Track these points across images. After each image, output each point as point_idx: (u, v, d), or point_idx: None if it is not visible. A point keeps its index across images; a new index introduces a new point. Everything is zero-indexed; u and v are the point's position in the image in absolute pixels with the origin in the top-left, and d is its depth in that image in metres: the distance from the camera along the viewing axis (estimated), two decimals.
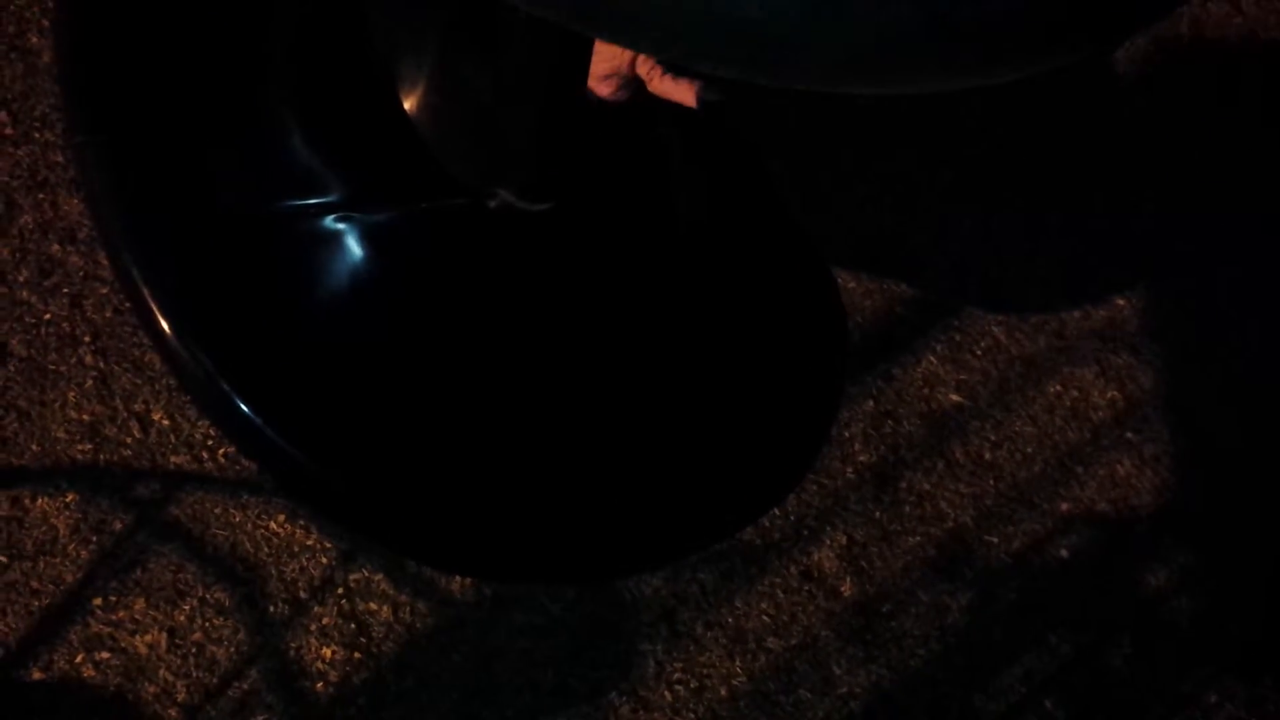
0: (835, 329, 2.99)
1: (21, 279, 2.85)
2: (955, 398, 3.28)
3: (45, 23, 3.03)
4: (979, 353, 3.34)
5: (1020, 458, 3.26)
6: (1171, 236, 3.61)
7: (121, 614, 2.67)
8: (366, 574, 2.78)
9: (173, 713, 2.62)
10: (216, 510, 2.77)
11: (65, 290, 2.86)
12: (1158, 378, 3.43)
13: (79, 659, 2.62)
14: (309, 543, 2.77)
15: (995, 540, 3.16)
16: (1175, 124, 3.76)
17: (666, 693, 2.85)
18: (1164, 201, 3.65)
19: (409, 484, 2.58)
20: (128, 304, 2.71)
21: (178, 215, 2.47)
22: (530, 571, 2.76)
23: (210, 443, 2.80)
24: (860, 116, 3.41)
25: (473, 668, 2.77)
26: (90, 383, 2.80)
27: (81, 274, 2.87)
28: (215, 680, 2.66)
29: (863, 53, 1.50)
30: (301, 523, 2.78)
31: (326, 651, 2.72)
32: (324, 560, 2.77)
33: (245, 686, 2.67)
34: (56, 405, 2.77)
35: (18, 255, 2.86)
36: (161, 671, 2.65)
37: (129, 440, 2.77)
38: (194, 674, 2.65)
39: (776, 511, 3.01)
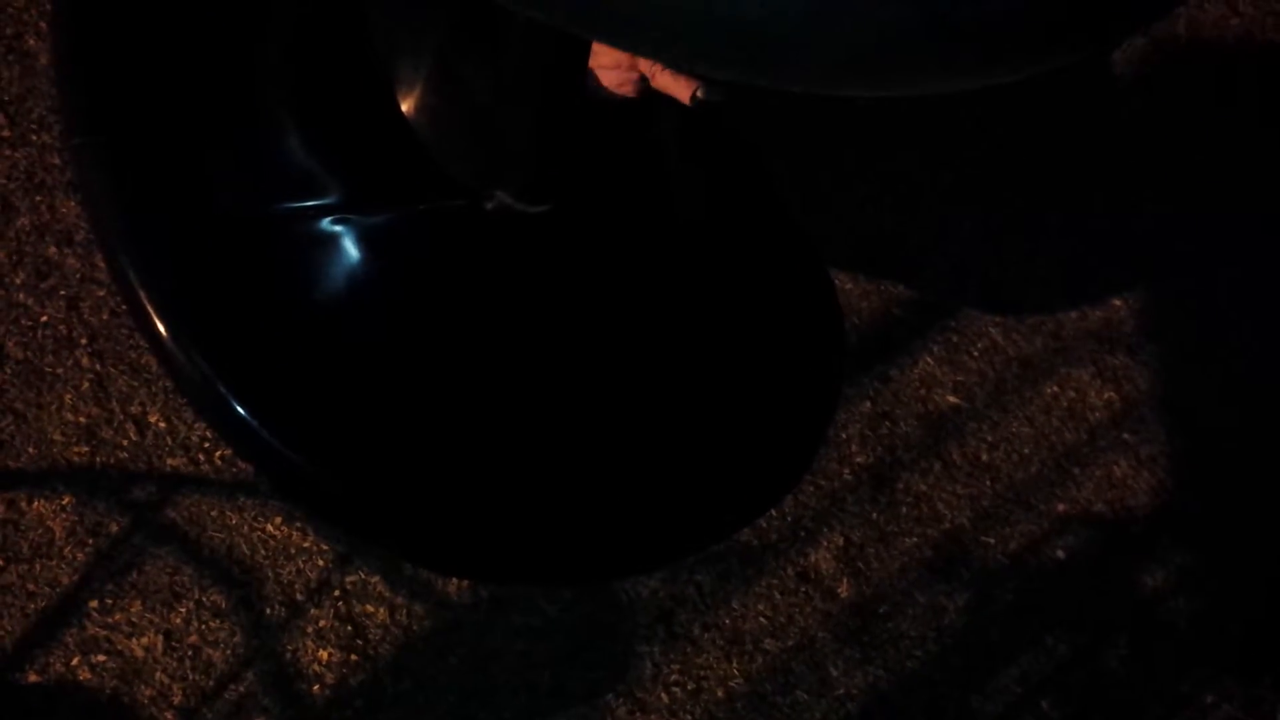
0: (833, 330, 2.99)
1: (18, 281, 2.84)
2: (952, 399, 3.28)
3: (43, 25, 3.03)
4: (976, 354, 3.34)
5: (1017, 459, 3.26)
6: (1171, 236, 3.62)
7: (118, 616, 2.66)
8: (363, 576, 2.78)
9: (169, 715, 2.62)
10: (213, 513, 2.76)
11: (62, 293, 2.85)
12: (1154, 378, 3.43)
13: (75, 661, 2.62)
14: (305, 545, 2.77)
15: (992, 541, 3.16)
16: (1174, 125, 3.77)
17: (663, 694, 2.85)
18: (1163, 201, 3.65)
19: (406, 486, 2.58)
20: (124, 306, 2.71)
21: (175, 217, 2.46)
22: (527, 573, 2.76)
23: (207, 445, 2.80)
24: (860, 117, 3.41)
25: (469, 670, 2.76)
26: (87, 385, 2.80)
27: (78, 276, 2.87)
28: (211, 683, 2.65)
29: (863, 54, 1.50)
30: (298, 525, 2.78)
31: (323, 654, 2.71)
32: (320, 563, 2.77)
33: (241, 689, 2.66)
34: (53, 408, 2.77)
35: (14, 258, 2.86)
36: (158, 674, 2.64)
37: (125, 443, 2.77)
38: (190, 676, 2.65)
39: (773, 513, 3.01)
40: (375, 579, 2.78)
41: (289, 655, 2.70)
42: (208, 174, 2.50)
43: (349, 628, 2.74)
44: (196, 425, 2.80)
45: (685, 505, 2.73)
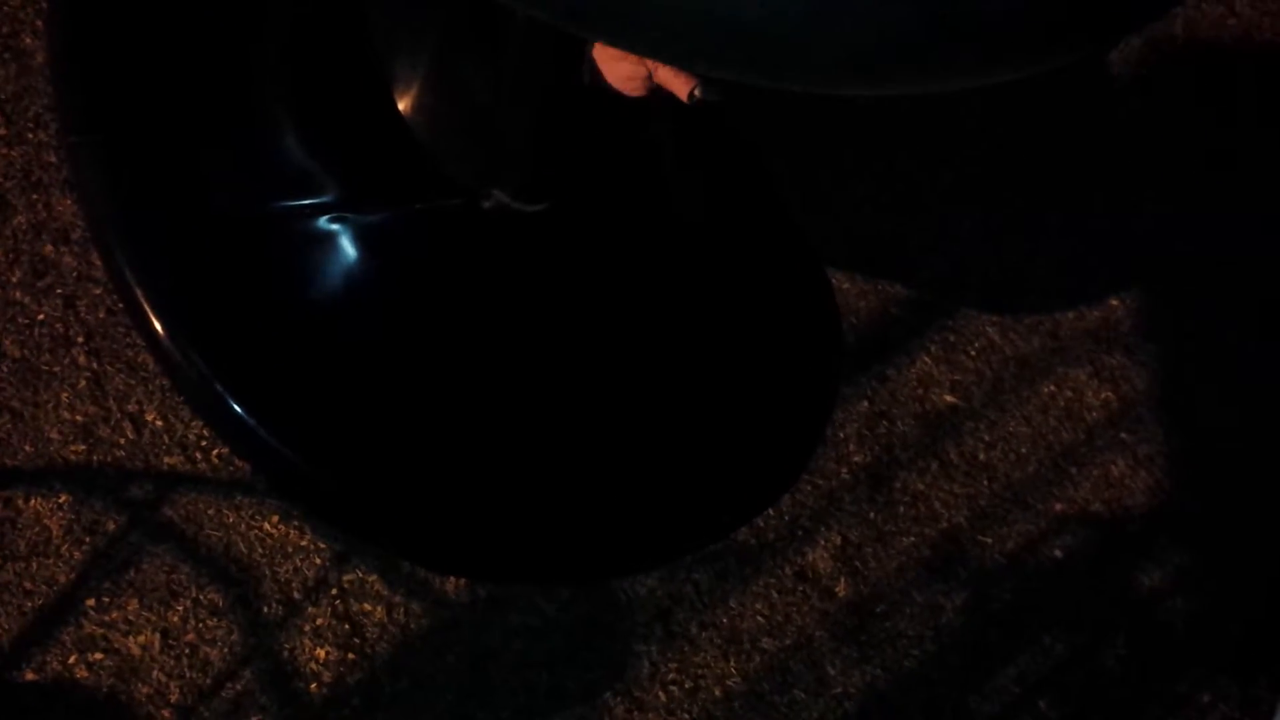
0: (830, 329, 3.00)
1: (15, 280, 2.84)
2: (950, 398, 3.28)
3: (39, 23, 3.03)
4: (973, 353, 3.34)
5: (1014, 458, 3.26)
6: (1170, 236, 3.62)
7: (115, 615, 2.66)
8: (360, 575, 2.77)
9: (166, 714, 2.62)
10: (210, 511, 2.76)
11: (59, 291, 2.85)
12: (1152, 378, 3.43)
13: (72, 660, 2.62)
14: (303, 543, 2.77)
15: (990, 541, 3.16)
16: (1172, 125, 3.77)
17: (661, 693, 2.84)
18: (1162, 201, 3.65)
19: (403, 484, 2.58)
20: (121, 304, 2.70)
21: (172, 216, 2.47)
22: (525, 572, 2.76)
23: (204, 443, 2.79)
24: (860, 116, 3.40)
25: (467, 669, 2.76)
26: (83, 383, 2.80)
27: (75, 275, 2.86)
28: (209, 681, 2.65)
29: (863, 53, 1.50)
30: (295, 523, 2.77)
31: (320, 652, 2.71)
32: (318, 561, 2.77)
33: (239, 687, 2.66)
34: (50, 406, 2.77)
35: (11, 256, 2.85)
36: (155, 672, 2.64)
37: (122, 441, 2.77)
38: (187, 675, 2.65)
39: (771, 512, 3.01)
40: (373, 577, 2.77)
41: (286, 653, 2.70)
42: (204, 172, 2.50)
43: (346, 626, 2.73)
44: (193, 423, 2.79)
45: (683, 504, 2.73)
